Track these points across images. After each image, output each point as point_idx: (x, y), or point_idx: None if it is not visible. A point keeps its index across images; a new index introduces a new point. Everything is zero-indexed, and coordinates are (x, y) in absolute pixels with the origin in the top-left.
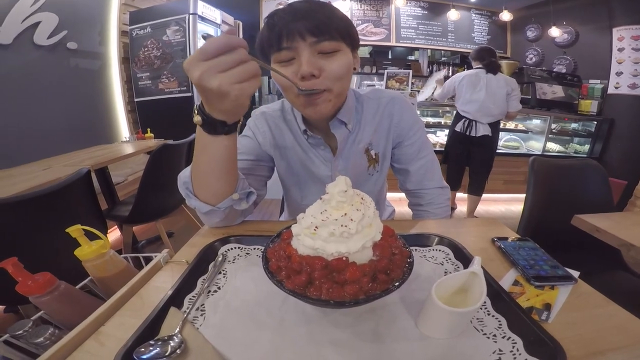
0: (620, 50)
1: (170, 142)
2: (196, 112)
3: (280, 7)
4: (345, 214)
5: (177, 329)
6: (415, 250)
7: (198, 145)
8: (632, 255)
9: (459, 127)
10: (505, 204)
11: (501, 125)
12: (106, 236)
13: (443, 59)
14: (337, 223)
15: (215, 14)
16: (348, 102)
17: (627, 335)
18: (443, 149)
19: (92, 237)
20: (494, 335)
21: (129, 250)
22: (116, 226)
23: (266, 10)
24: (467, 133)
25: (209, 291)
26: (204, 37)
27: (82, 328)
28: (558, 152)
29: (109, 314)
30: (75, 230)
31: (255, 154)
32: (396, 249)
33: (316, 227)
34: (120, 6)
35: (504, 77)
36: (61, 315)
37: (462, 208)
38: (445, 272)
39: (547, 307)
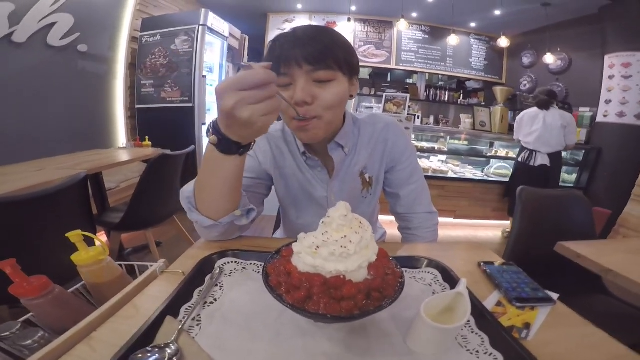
0: (611, 77)
1: (169, 152)
2: (211, 131)
3: (285, 28)
4: (345, 236)
5: (173, 337)
6: (406, 271)
7: (208, 162)
8: (610, 279)
9: (520, 158)
10: (493, 230)
11: (492, 153)
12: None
13: (440, 83)
14: (337, 244)
15: (224, 27)
16: (346, 126)
17: (601, 354)
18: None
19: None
20: (477, 352)
21: (114, 258)
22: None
23: (273, 24)
24: (527, 163)
25: (205, 302)
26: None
27: (74, 333)
28: None
29: (102, 320)
30: (75, 236)
31: (256, 172)
32: (389, 270)
33: (317, 246)
34: (135, 12)
35: (559, 112)
36: (51, 319)
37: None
38: (434, 293)
39: (527, 326)
